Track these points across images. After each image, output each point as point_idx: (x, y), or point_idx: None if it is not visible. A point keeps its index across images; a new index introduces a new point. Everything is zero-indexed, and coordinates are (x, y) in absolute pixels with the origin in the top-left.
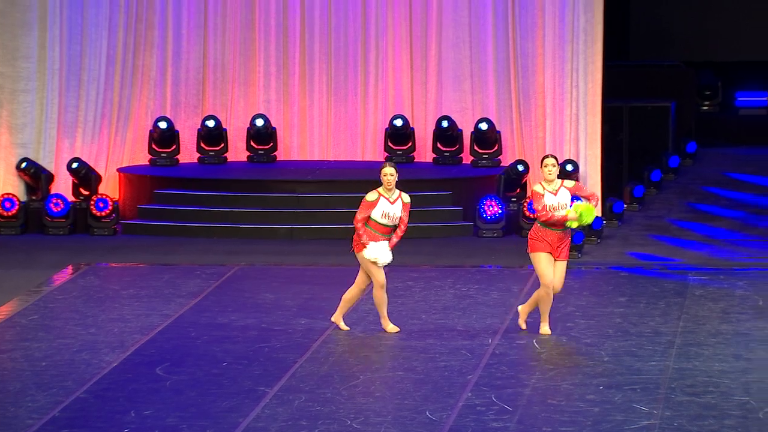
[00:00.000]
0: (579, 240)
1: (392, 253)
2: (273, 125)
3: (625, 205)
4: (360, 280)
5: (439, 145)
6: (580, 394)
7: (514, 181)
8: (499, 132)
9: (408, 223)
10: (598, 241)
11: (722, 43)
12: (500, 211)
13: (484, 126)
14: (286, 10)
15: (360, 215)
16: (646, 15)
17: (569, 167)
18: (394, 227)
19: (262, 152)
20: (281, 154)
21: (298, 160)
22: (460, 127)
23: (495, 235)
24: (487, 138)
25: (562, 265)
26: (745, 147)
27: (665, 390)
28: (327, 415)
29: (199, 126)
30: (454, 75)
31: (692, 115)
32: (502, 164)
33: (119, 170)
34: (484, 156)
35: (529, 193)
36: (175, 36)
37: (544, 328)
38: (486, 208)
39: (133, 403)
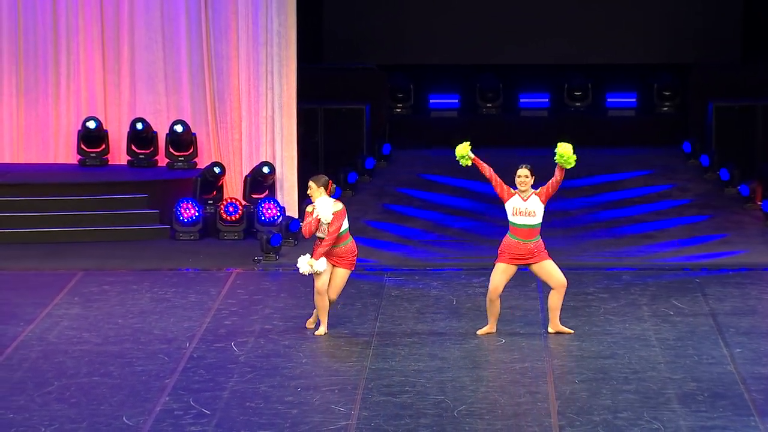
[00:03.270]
0: (277, 242)
1: (316, 263)
2: None
3: None
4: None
5: (133, 147)
6: (279, 396)
7: (211, 183)
8: (194, 134)
9: (331, 233)
10: (296, 243)
11: (415, 47)
12: (197, 214)
13: (179, 128)
14: None
15: (303, 223)
16: (340, 18)
17: (265, 169)
18: (342, 233)
19: None
20: None
21: None
22: (154, 129)
23: (192, 237)
24: (183, 140)
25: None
26: (437, 149)
27: (362, 390)
28: (20, 423)
29: None
30: (147, 76)
31: (386, 118)
32: (198, 166)
33: None
34: (180, 158)
35: (226, 196)
36: None
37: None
38: (182, 211)
39: None
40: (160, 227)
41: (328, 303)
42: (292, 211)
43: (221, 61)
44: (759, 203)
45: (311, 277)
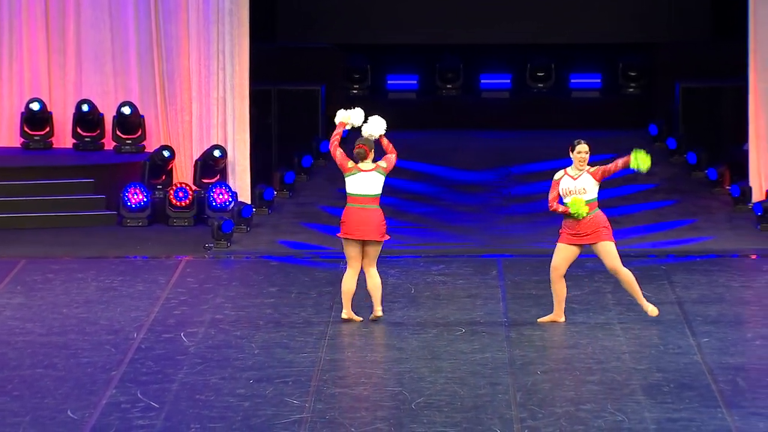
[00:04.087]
0: (228, 229)
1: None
2: None
3: (275, 192)
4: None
5: (79, 130)
6: (230, 388)
7: (160, 167)
8: (143, 116)
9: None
10: (248, 229)
11: (372, 26)
12: (145, 199)
13: (126, 110)
14: None
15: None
16: None
17: (217, 153)
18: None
19: None
20: None
21: None
22: (101, 111)
23: (140, 224)
24: (130, 122)
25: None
26: (395, 131)
27: (317, 382)
28: None
29: None
30: (94, 56)
31: (342, 99)
32: (146, 150)
33: None
34: (128, 141)
35: (175, 181)
36: None
37: None
38: (130, 196)
39: None
40: (106, 213)
41: (352, 289)
42: (245, 197)
43: (171, 40)
44: (727, 187)
45: (265, 265)
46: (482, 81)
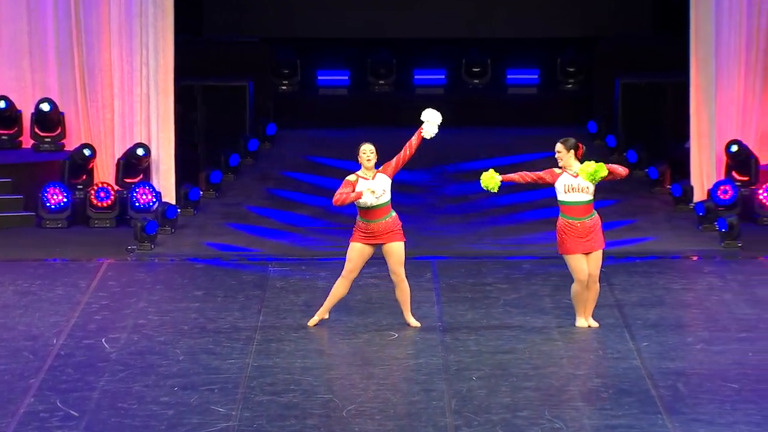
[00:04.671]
0: (152, 230)
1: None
2: None
3: (201, 192)
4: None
5: None
6: (154, 396)
7: (80, 166)
8: (62, 113)
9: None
10: (173, 231)
11: (302, 19)
12: (65, 200)
13: (45, 106)
14: None
15: (338, 190)
16: None
17: (140, 151)
18: (380, 206)
19: None
20: None
21: None
22: (19, 107)
23: (60, 225)
24: (50, 120)
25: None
26: (326, 129)
27: (244, 389)
28: None
29: None
30: (10, 51)
31: (271, 95)
32: (66, 148)
33: None
34: (47, 139)
35: (97, 180)
36: None
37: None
38: (49, 197)
39: None
40: (24, 214)
41: (345, 292)
42: (169, 197)
43: (91, 34)
44: (668, 187)
45: (190, 268)
46: (416, 76)
